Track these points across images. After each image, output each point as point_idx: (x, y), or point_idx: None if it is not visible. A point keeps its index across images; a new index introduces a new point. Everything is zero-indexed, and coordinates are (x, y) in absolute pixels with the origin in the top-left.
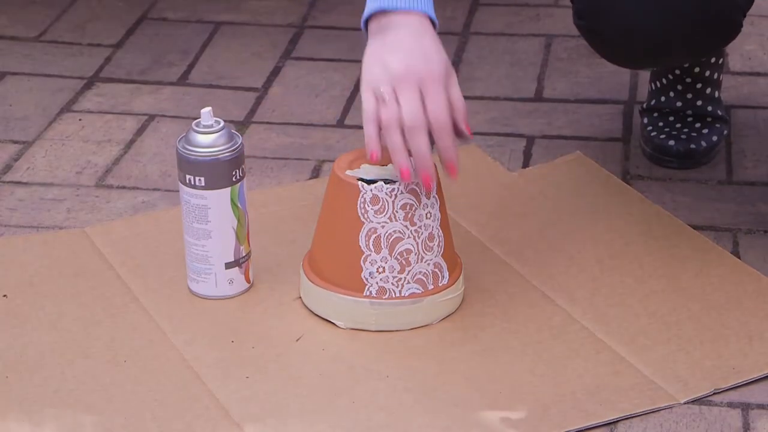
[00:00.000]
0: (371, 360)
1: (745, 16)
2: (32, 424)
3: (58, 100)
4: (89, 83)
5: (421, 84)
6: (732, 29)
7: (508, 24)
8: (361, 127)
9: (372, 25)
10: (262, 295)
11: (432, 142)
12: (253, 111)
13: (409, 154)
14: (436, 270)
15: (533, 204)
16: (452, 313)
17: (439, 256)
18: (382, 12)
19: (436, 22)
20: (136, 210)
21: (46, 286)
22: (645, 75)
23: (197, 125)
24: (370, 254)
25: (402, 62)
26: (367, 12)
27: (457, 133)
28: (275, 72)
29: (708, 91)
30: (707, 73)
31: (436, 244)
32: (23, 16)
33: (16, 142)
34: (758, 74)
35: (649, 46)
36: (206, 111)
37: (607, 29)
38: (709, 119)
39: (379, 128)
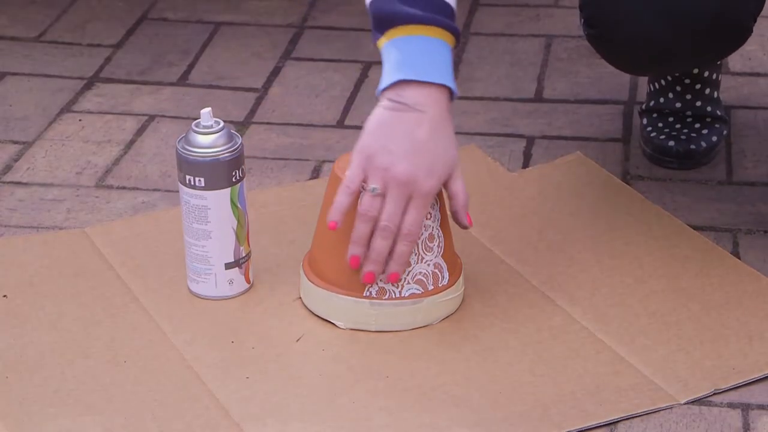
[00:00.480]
0: (371, 360)
1: (755, 21)
2: (32, 424)
3: (58, 101)
4: (89, 83)
5: (412, 195)
6: (743, 34)
7: (508, 24)
8: (360, 128)
9: (389, 91)
10: (262, 295)
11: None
12: (253, 111)
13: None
14: (436, 270)
15: (533, 204)
16: (452, 313)
17: (439, 256)
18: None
19: (456, 93)
20: (136, 210)
21: (46, 286)
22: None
23: (197, 126)
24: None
25: (405, 172)
26: (386, 82)
27: (458, 223)
28: (275, 72)
29: (707, 91)
30: (706, 74)
31: (436, 244)
32: (23, 16)
33: (16, 143)
34: (758, 74)
35: (659, 53)
36: (206, 111)
37: (618, 38)
38: (708, 120)
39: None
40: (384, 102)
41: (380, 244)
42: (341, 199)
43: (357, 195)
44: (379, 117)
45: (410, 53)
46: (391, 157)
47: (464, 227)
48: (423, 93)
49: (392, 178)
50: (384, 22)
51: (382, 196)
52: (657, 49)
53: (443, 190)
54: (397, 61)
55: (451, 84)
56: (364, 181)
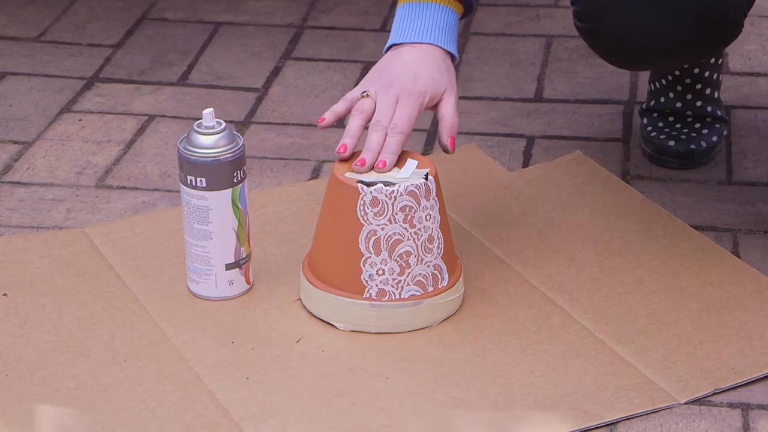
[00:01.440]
0: (371, 361)
1: (746, 16)
2: (32, 423)
3: (58, 101)
4: (89, 83)
5: (398, 96)
6: (733, 30)
7: (508, 24)
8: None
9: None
10: (262, 296)
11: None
12: (253, 111)
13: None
14: (436, 272)
15: (533, 204)
16: (452, 314)
17: (439, 258)
18: (400, 44)
19: (452, 52)
20: (136, 210)
21: (46, 285)
22: (645, 75)
23: (199, 126)
24: (370, 256)
25: (391, 77)
26: (391, 41)
27: (441, 145)
28: (275, 72)
29: (708, 91)
30: (707, 74)
31: (436, 246)
32: (23, 16)
33: (16, 143)
34: (758, 74)
35: (649, 47)
36: (208, 112)
37: (607, 31)
38: (708, 120)
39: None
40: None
41: (372, 136)
42: (340, 103)
43: (352, 103)
44: (378, 62)
45: (409, 19)
46: (381, 72)
47: (445, 151)
48: (414, 47)
49: (381, 84)
50: None
51: (374, 102)
52: (646, 42)
53: (441, 196)
54: (397, 26)
55: (443, 44)
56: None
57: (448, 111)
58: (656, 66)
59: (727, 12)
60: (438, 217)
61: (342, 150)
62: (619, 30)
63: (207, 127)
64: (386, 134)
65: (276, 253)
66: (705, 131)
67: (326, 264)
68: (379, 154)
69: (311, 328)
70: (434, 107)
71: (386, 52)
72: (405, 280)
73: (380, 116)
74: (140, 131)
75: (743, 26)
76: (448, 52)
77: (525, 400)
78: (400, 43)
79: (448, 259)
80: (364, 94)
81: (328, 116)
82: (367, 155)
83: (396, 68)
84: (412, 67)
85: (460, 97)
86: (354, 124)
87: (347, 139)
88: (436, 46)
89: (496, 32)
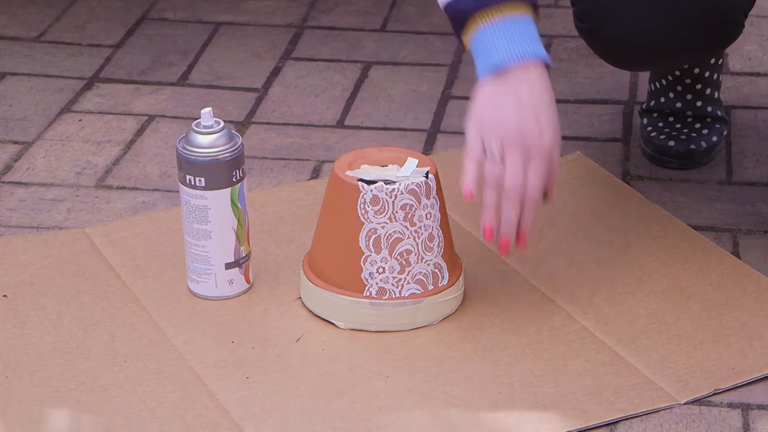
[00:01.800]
0: (371, 360)
1: (746, 17)
2: (32, 424)
3: (58, 101)
4: (89, 83)
5: (528, 153)
6: (733, 30)
7: None
8: (360, 128)
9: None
10: (262, 295)
11: None
12: (253, 111)
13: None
14: (436, 270)
15: None
16: (452, 313)
17: (439, 256)
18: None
19: (551, 65)
20: (136, 210)
21: (46, 286)
22: (645, 75)
23: (197, 126)
24: (370, 255)
25: (516, 123)
26: (482, 72)
27: (543, 196)
28: (275, 72)
29: (708, 91)
30: (707, 74)
31: (436, 244)
32: (23, 16)
33: (16, 143)
34: (758, 74)
35: (649, 48)
36: (206, 111)
37: (607, 32)
38: (708, 120)
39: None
40: (485, 83)
41: (509, 209)
42: (470, 167)
43: (482, 162)
44: (482, 92)
45: (501, 36)
46: (501, 114)
47: (545, 201)
48: (523, 74)
49: (505, 134)
50: (458, 19)
51: (503, 159)
52: (646, 42)
53: (441, 194)
54: (482, 54)
55: (540, 56)
56: (484, 144)
57: (556, 163)
58: (657, 66)
59: (727, 12)
60: (438, 215)
61: (487, 233)
62: (619, 30)
63: (205, 127)
64: (521, 205)
65: (276, 252)
66: (705, 131)
67: (326, 262)
68: (519, 225)
69: (311, 326)
70: None
71: (487, 74)
72: (405, 278)
73: (513, 182)
74: (140, 131)
75: (744, 27)
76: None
77: (525, 400)
78: (503, 66)
79: (449, 257)
80: (492, 148)
81: (472, 185)
82: (510, 234)
83: (517, 110)
84: (534, 114)
85: (461, 98)
86: (491, 198)
87: (490, 216)
88: (542, 63)
89: None
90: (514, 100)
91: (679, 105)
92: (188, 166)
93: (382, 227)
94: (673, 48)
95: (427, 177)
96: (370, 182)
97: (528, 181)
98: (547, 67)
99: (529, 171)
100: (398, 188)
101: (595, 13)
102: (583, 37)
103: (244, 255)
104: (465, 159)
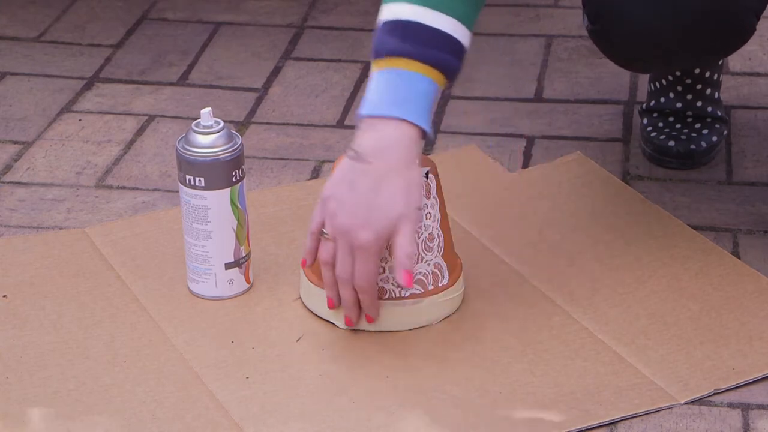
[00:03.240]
0: (371, 360)
1: (758, 19)
2: (32, 424)
3: (58, 101)
4: (89, 83)
5: (352, 248)
6: (745, 32)
7: (508, 24)
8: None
9: (363, 122)
10: (262, 295)
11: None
12: (253, 111)
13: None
14: (436, 270)
15: (533, 204)
16: (452, 313)
17: (439, 256)
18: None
19: (428, 132)
20: (136, 210)
21: (46, 286)
22: (645, 75)
23: (197, 125)
24: None
25: (342, 221)
26: (361, 112)
27: (394, 278)
28: (275, 72)
29: (708, 92)
30: (707, 74)
31: (436, 244)
32: (23, 16)
33: (16, 143)
34: (758, 74)
35: (660, 49)
36: (206, 111)
37: (620, 34)
38: (708, 120)
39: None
40: (356, 138)
41: (344, 293)
42: (307, 242)
43: (318, 237)
44: (341, 163)
45: (381, 87)
46: (336, 205)
47: (399, 285)
48: (381, 134)
49: (335, 226)
50: (375, 52)
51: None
52: (658, 45)
53: (441, 195)
54: (369, 93)
55: (414, 120)
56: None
57: (401, 242)
58: (668, 69)
59: (738, 15)
60: (438, 215)
61: (329, 306)
62: (631, 33)
63: (205, 127)
64: (354, 290)
65: (276, 252)
66: (705, 131)
67: None
68: (359, 308)
69: (311, 326)
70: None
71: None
72: None
73: (342, 272)
74: (140, 131)
75: (755, 29)
76: (420, 129)
77: (525, 400)
78: (368, 116)
79: (449, 257)
80: (325, 236)
81: (309, 258)
82: (350, 314)
83: (351, 205)
84: (366, 208)
85: (460, 98)
86: (327, 276)
87: (330, 291)
88: (407, 122)
89: (496, 32)
90: (352, 189)
91: (679, 105)
92: (188, 166)
93: None
94: (684, 50)
95: (427, 177)
96: None
97: (355, 273)
98: (425, 133)
99: (354, 265)
100: None
101: (605, 15)
102: (594, 40)
103: (244, 255)
104: (308, 231)
